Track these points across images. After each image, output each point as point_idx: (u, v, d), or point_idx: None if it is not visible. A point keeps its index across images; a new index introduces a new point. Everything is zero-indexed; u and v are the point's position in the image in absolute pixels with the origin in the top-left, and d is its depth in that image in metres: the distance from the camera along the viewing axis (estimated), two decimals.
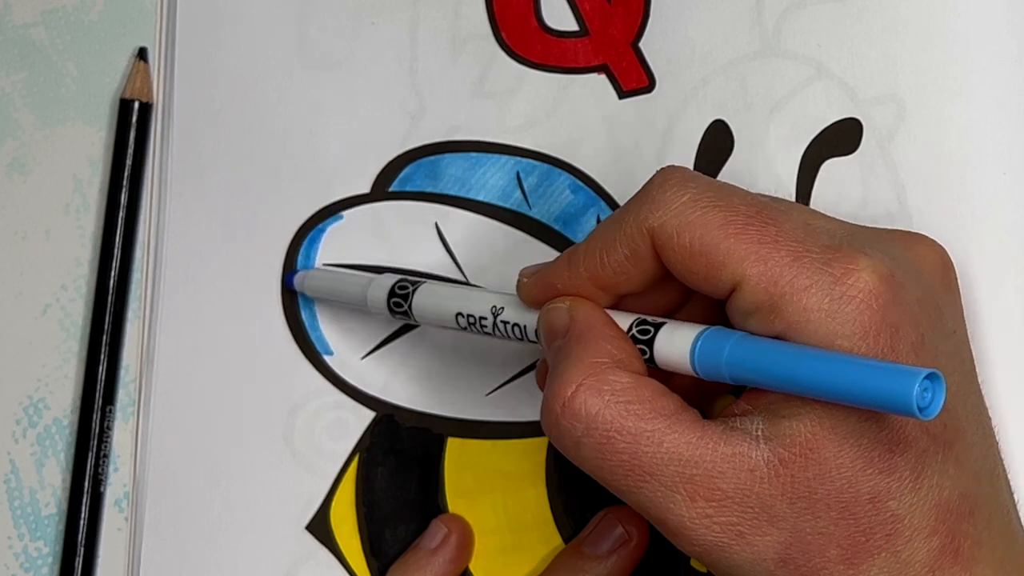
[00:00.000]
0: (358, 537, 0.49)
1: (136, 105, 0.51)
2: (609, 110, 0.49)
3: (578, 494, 0.48)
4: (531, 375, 0.49)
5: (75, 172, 0.52)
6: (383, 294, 0.46)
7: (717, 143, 0.48)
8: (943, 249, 0.40)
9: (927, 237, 0.40)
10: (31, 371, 0.52)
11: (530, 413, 0.49)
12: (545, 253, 0.49)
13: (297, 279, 0.49)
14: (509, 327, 0.43)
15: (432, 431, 0.49)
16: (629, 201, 0.40)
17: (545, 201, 0.49)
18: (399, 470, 0.49)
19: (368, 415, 0.50)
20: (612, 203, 0.49)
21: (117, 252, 0.51)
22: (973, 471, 0.38)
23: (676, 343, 0.38)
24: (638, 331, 0.39)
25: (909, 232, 0.40)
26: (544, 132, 0.49)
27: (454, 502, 0.49)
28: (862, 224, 0.40)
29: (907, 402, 0.33)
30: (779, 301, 0.36)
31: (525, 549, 0.49)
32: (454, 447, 0.49)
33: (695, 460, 0.36)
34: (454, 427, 0.49)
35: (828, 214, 0.40)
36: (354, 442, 0.50)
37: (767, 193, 0.42)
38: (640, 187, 0.40)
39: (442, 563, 0.48)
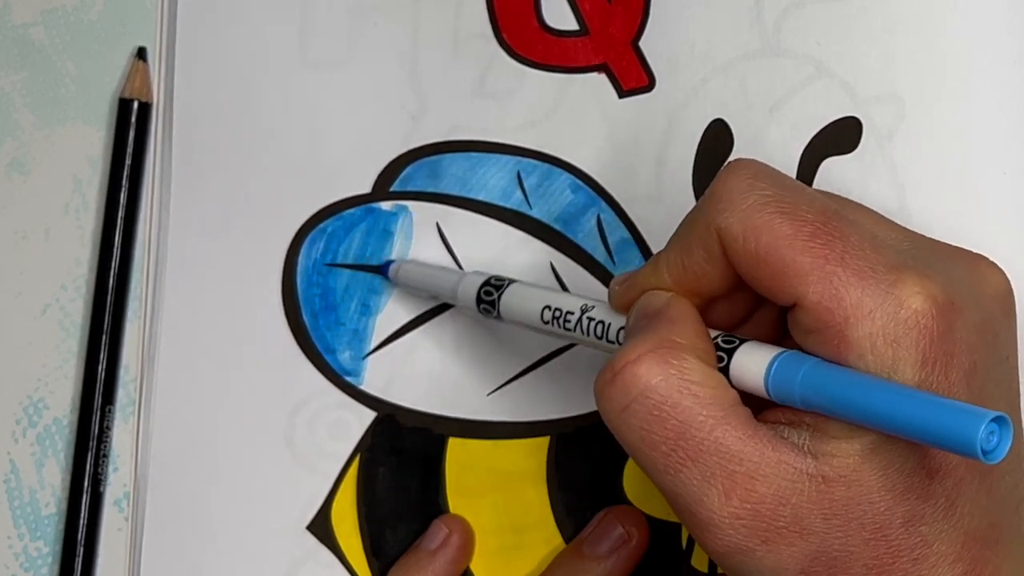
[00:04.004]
0: (359, 537, 0.49)
1: (135, 105, 0.51)
2: (609, 109, 0.49)
3: (578, 494, 0.48)
4: (532, 375, 0.49)
5: (75, 172, 0.52)
6: (473, 289, 0.46)
7: (717, 142, 0.48)
8: (1004, 273, 0.39)
9: (988, 259, 0.39)
10: (31, 371, 0.51)
11: (531, 413, 0.49)
12: (546, 252, 0.49)
13: (392, 269, 0.49)
14: (594, 324, 0.42)
15: (433, 431, 0.49)
16: (700, 200, 0.39)
17: (546, 201, 0.49)
18: (400, 470, 0.49)
19: (369, 415, 0.50)
20: (612, 202, 0.49)
21: (117, 252, 0.51)
22: (1002, 500, 0.37)
23: (755, 359, 0.37)
24: (723, 340, 0.39)
25: (972, 252, 0.40)
26: (544, 131, 0.49)
27: (455, 502, 0.49)
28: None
29: (971, 445, 0.32)
30: (843, 324, 0.36)
31: (526, 549, 0.49)
32: (455, 447, 0.49)
33: (740, 456, 0.36)
34: (455, 427, 0.49)
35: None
36: (355, 442, 0.50)
37: None
38: (703, 190, 0.39)
39: (443, 564, 0.48)
